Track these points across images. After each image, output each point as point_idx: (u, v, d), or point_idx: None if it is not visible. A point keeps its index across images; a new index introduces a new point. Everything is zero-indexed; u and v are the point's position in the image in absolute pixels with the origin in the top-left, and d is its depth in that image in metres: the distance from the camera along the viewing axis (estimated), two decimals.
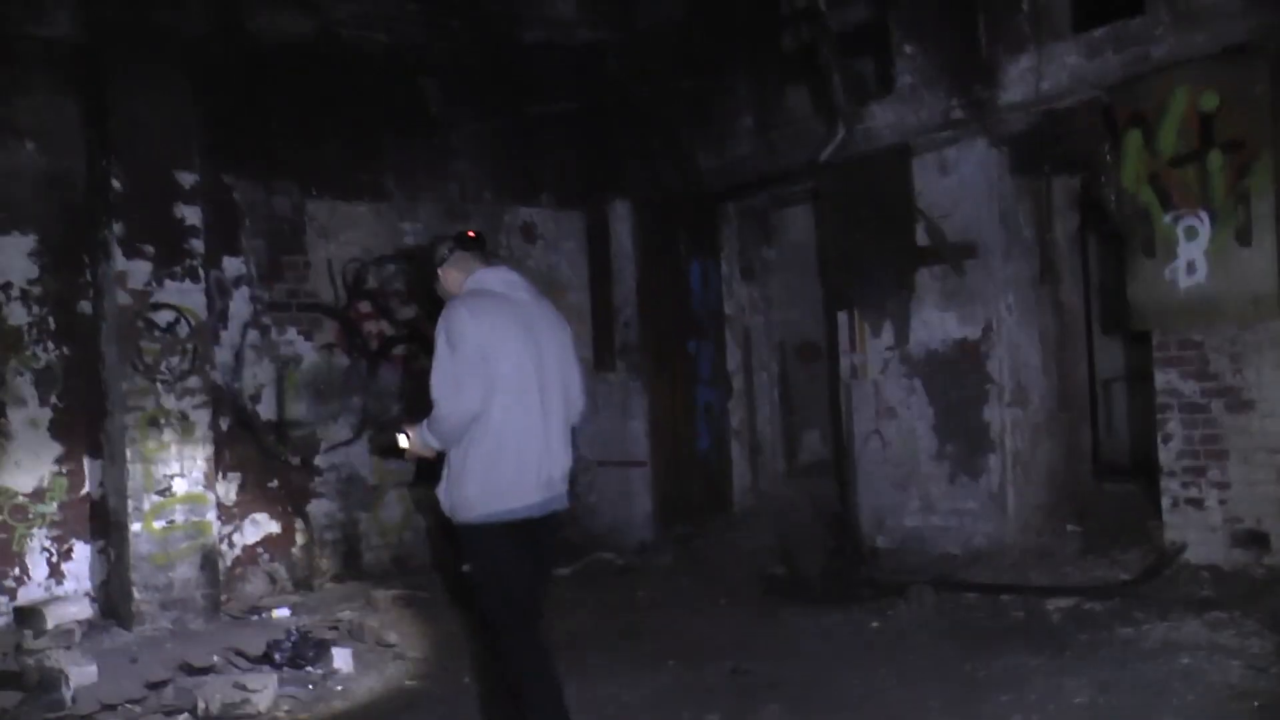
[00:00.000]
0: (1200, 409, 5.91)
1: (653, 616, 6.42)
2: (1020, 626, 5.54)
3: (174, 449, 6.83)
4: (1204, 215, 5.80)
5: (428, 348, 4.05)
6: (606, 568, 7.85)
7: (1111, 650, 4.96)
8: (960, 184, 7.03)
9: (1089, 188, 7.13)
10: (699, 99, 8.62)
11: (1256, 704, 4.14)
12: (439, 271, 4.18)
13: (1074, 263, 7.52)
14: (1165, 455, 6.09)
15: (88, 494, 6.96)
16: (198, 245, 7.01)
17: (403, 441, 4.06)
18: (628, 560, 7.98)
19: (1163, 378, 6.10)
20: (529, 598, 3.97)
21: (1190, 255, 5.85)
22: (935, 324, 7.16)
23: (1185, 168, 5.87)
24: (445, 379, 3.82)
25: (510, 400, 3.84)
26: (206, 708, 5.03)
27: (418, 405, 4.06)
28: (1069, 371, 7.44)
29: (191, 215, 6.99)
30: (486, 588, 3.96)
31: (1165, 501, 6.10)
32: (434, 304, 4.19)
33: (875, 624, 5.86)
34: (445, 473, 3.96)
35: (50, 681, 5.34)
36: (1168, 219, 5.97)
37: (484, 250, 4.25)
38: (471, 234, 4.29)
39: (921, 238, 7.17)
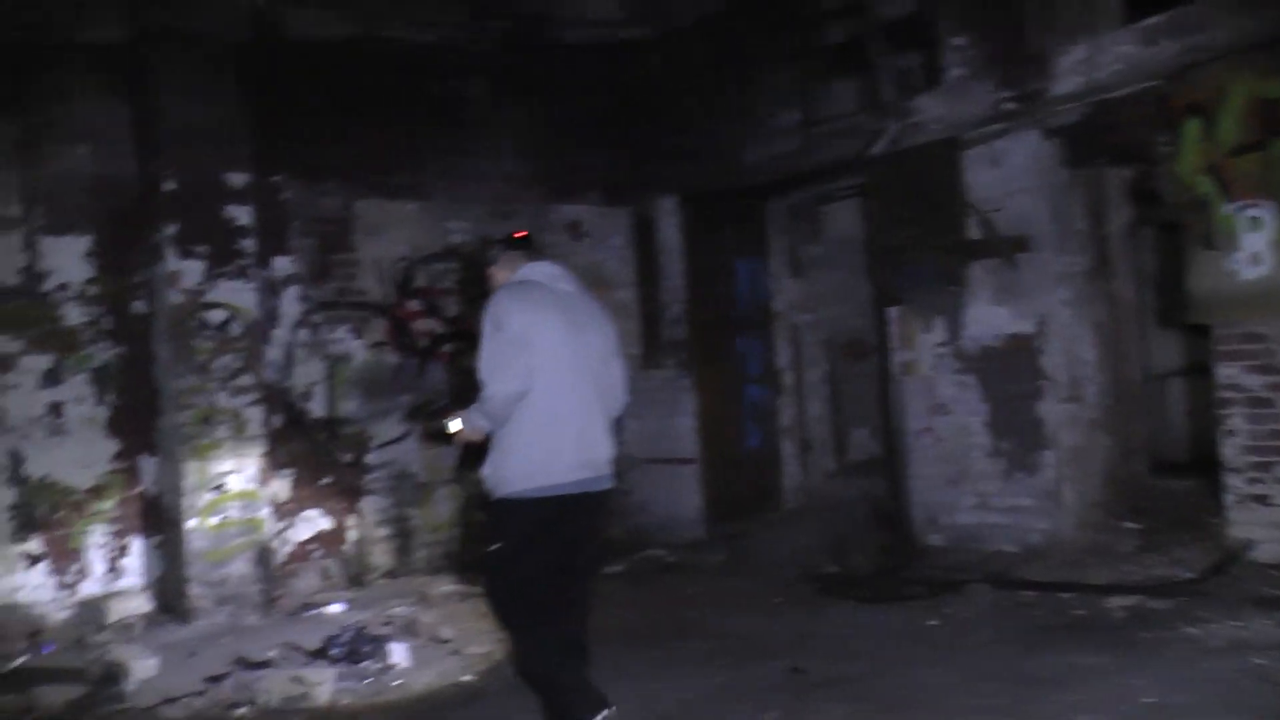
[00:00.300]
0: (1265, 403, 5.80)
1: (705, 614, 6.39)
2: (1082, 625, 5.46)
3: (227, 446, 6.88)
4: (1269, 205, 5.69)
5: (476, 345, 4.16)
6: (656, 565, 7.83)
7: (1178, 649, 4.87)
8: (1012, 176, 6.93)
9: (1144, 179, 7.04)
10: (743, 95, 8.58)
11: None
12: (489, 272, 4.38)
13: (1128, 255, 7.43)
14: (1228, 451, 5.98)
15: (143, 491, 7.03)
16: (249, 245, 7.07)
17: (453, 426, 4.19)
18: (678, 557, 7.96)
19: (1225, 371, 5.99)
20: (542, 590, 4.02)
21: (1254, 246, 5.73)
22: (987, 319, 7.07)
23: (1247, 157, 5.76)
24: (492, 360, 4.00)
25: (551, 382, 3.98)
26: (266, 701, 5.07)
27: (466, 399, 4.19)
28: (1124, 366, 7.34)
29: (242, 215, 7.04)
30: (504, 569, 4.03)
31: (1228, 498, 5.99)
32: (484, 302, 4.29)
33: (933, 622, 5.80)
34: (491, 452, 4.10)
35: (112, 675, 5.41)
36: (1229, 210, 5.86)
37: (531, 248, 4.40)
38: (518, 234, 4.48)
39: (972, 231, 7.09)
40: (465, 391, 6.43)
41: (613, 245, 8.99)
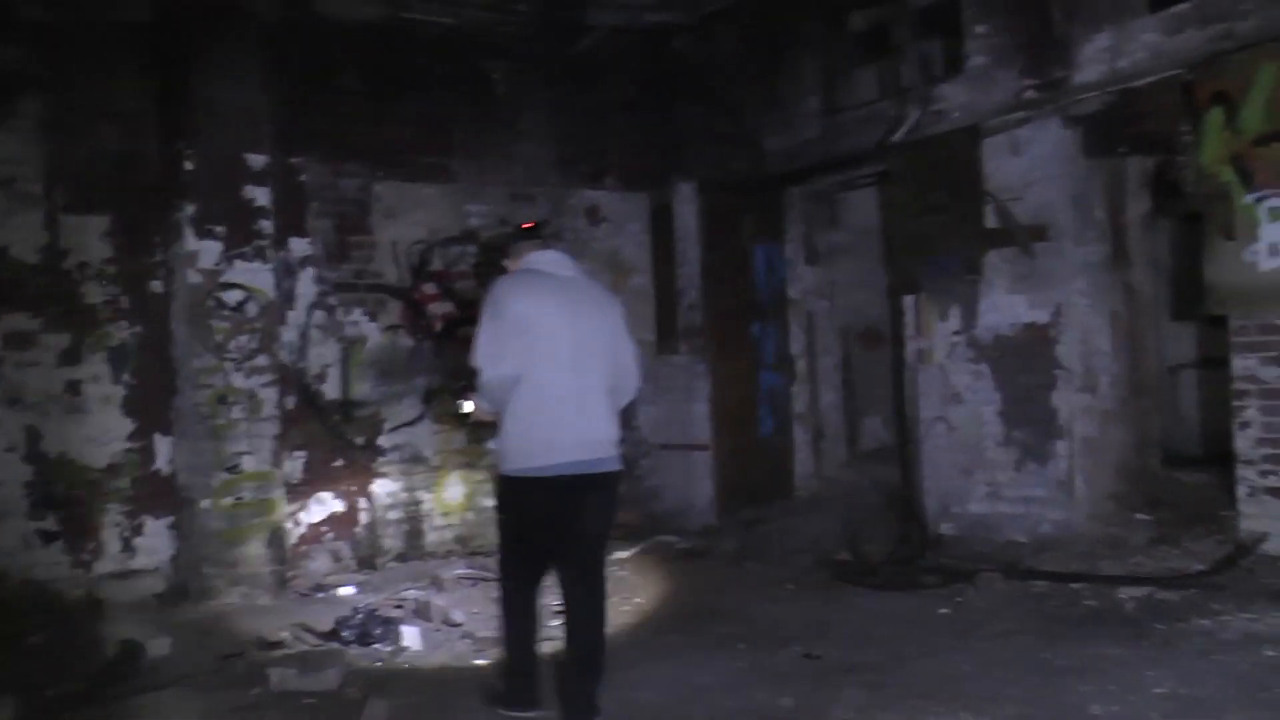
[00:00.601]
0: None
1: (720, 599, 6.39)
2: (1094, 616, 5.45)
3: (242, 427, 6.91)
4: None
5: None
6: (669, 551, 7.82)
7: (1191, 641, 4.86)
8: (1032, 165, 6.90)
9: (1165, 168, 6.99)
10: (766, 81, 8.57)
11: None
12: (504, 264, 4.61)
13: (1146, 246, 7.38)
14: (1242, 443, 5.96)
15: (158, 470, 7.06)
16: (267, 226, 7.09)
17: (466, 406, 4.45)
18: (691, 544, 7.96)
19: (1241, 363, 5.96)
20: (538, 560, 4.33)
21: (1274, 237, 5.70)
22: (1004, 308, 7.05)
23: (1271, 146, 5.71)
24: (483, 346, 4.18)
25: (549, 366, 4.13)
26: (279, 681, 5.08)
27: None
28: (1139, 357, 7.31)
29: (261, 196, 7.06)
30: (504, 538, 4.41)
31: (1241, 490, 5.97)
32: None
33: (944, 610, 5.79)
34: (498, 431, 4.31)
35: (127, 653, 5.43)
36: (1250, 199, 5.82)
37: (539, 237, 4.63)
38: (526, 225, 4.79)
39: (991, 220, 7.07)
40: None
41: (631, 231, 8.99)
